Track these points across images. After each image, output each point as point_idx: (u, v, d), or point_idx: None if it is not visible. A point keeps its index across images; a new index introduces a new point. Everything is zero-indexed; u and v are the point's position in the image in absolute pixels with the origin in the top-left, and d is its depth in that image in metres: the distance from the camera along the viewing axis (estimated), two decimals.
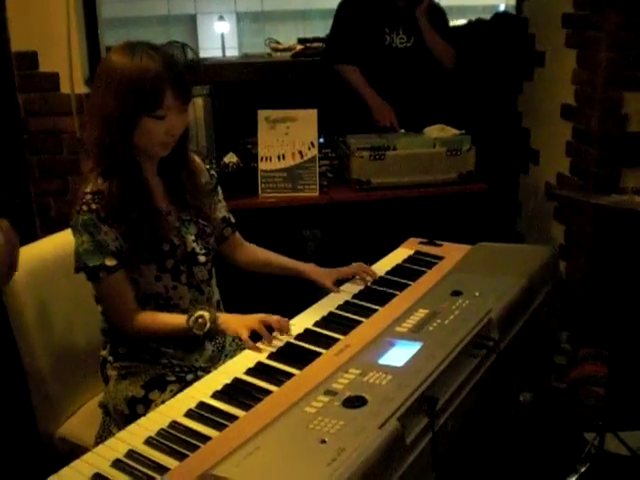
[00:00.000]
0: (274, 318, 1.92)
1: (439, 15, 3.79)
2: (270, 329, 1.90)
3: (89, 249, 1.89)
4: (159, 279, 2.00)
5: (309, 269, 2.27)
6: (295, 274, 2.29)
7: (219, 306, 2.21)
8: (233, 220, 2.28)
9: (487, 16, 4.49)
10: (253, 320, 1.89)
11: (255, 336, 1.88)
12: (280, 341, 1.88)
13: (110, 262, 1.90)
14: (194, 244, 2.07)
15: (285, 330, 1.92)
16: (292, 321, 1.99)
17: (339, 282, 2.25)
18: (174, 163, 2.05)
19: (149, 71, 1.84)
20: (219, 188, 2.24)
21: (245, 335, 1.85)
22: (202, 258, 2.08)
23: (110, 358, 2.06)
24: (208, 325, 1.89)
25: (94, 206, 1.88)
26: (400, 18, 3.67)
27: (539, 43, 4.07)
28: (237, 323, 1.90)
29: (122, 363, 2.04)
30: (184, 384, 1.89)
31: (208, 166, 2.25)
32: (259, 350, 1.83)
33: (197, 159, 2.19)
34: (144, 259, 1.96)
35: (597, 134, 3.49)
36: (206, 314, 1.91)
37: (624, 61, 3.37)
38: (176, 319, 1.95)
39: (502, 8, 5.30)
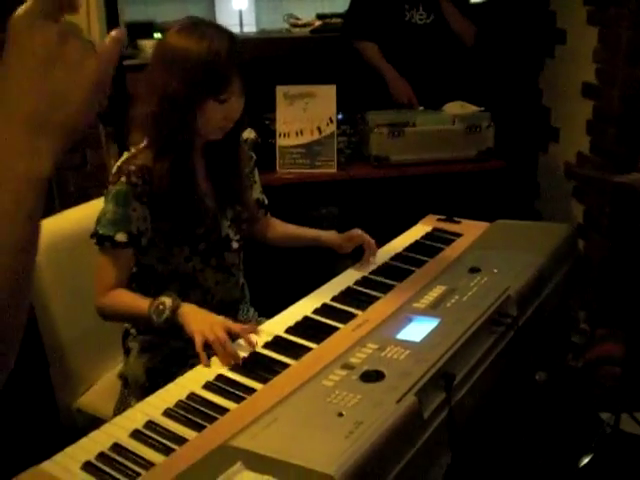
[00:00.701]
0: (237, 327, 1.77)
1: None
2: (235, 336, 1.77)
3: (109, 218, 1.87)
4: (189, 260, 2.00)
5: (332, 237, 2.26)
6: (317, 244, 2.28)
7: (243, 289, 2.21)
8: (266, 202, 2.28)
9: None
10: (213, 326, 1.73)
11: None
12: (242, 353, 1.73)
13: (120, 237, 1.87)
14: (229, 230, 2.07)
15: (249, 342, 1.75)
16: (310, 296, 1.99)
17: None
18: (223, 147, 2.03)
19: (220, 54, 1.83)
20: (256, 170, 2.24)
21: (199, 342, 1.70)
22: (235, 245, 2.08)
23: (132, 330, 2.07)
24: (166, 313, 1.78)
25: (134, 179, 1.86)
26: None
27: (560, 20, 4.03)
28: (196, 324, 1.75)
29: (144, 336, 2.04)
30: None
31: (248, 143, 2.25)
32: (209, 365, 1.69)
33: (247, 134, 2.19)
34: (178, 241, 1.96)
35: (617, 113, 3.46)
36: (168, 301, 1.80)
37: None
38: (140, 302, 1.85)
39: None
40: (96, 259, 1.92)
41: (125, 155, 1.94)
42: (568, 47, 3.95)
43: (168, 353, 1.99)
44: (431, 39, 3.66)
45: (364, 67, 3.70)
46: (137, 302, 1.86)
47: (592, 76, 3.65)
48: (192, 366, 1.82)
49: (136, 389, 2.00)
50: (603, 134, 3.59)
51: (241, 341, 1.75)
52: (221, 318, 1.78)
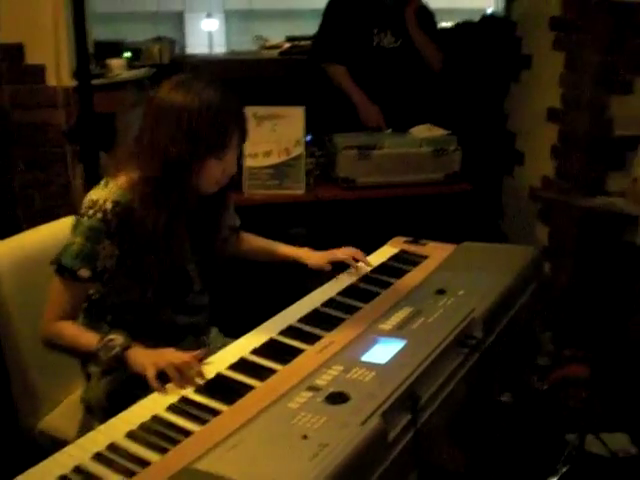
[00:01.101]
0: (185, 358, 1.72)
1: (428, 17, 3.80)
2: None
3: (76, 251, 1.82)
4: (144, 296, 1.96)
5: (303, 253, 2.28)
6: (292, 260, 2.29)
7: (207, 311, 2.19)
8: (238, 223, 2.27)
9: (475, 18, 4.50)
10: (164, 358, 1.71)
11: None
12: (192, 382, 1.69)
13: (83, 273, 1.82)
14: (193, 273, 2.06)
15: (188, 375, 1.69)
16: (276, 318, 1.98)
17: (335, 267, 2.26)
18: (211, 201, 2.01)
19: (220, 112, 1.82)
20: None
21: (152, 373, 1.67)
22: (197, 287, 2.08)
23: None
24: (116, 350, 1.75)
25: (110, 217, 1.82)
26: (389, 19, 3.67)
27: (526, 46, 4.09)
28: (146, 359, 1.73)
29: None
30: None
31: None
32: (165, 392, 1.66)
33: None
34: (141, 277, 1.92)
35: (583, 137, 3.51)
36: (119, 339, 1.77)
37: (611, 64, 3.39)
38: (88, 337, 1.82)
39: (490, 11, 5.30)
40: (52, 284, 1.87)
41: (101, 186, 1.88)
42: (534, 72, 4.01)
43: (130, 376, 1.90)
44: (399, 63, 3.70)
45: (333, 89, 3.72)
46: (84, 336, 1.83)
47: (557, 101, 3.70)
48: None
49: (98, 412, 1.96)
50: (568, 158, 3.64)
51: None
52: (171, 349, 1.76)
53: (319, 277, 2.25)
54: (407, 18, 3.67)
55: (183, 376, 1.68)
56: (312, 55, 3.82)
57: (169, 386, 1.68)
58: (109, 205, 1.82)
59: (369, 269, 2.27)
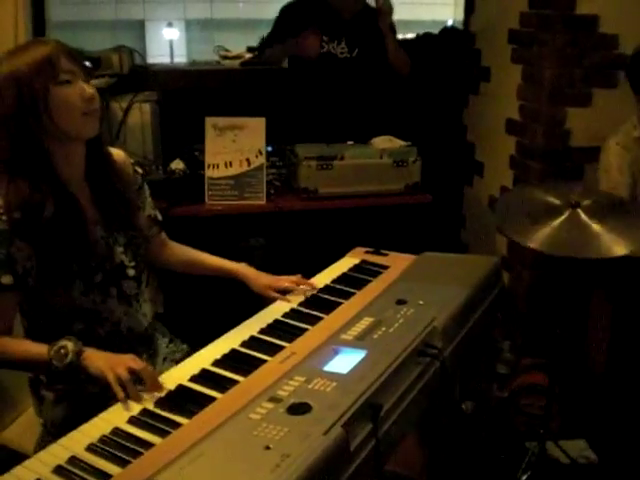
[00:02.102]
0: (142, 366, 1.70)
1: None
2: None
3: None
4: (87, 294, 1.91)
5: (243, 270, 2.24)
6: (228, 274, 2.25)
7: (153, 319, 2.16)
8: (160, 218, 2.23)
9: (435, 30, 4.54)
10: (120, 364, 1.68)
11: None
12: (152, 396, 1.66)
13: (5, 280, 1.77)
14: (122, 256, 1.99)
15: (148, 383, 1.67)
16: (237, 328, 1.98)
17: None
18: (99, 165, 1.96)
19: (38, 50, 1.78)
20: (146, 185, 2.17)
21: (112, 378, 1.65)
22: (131, 272, 2.01)
23: (42, 377, 1.97)
24: (70, 357, 1.70)
25: (8, 216, 1.76)
26: (344, 30, 3.70)
27: (485, 58, 4.14)
28: (102, 363, 1.70)
29: (58, 386, 1.94)
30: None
31: (132, 161, 2.16)
32: (125, 400, 1.63)
33: (122, 154, 2.10)
34: (70, 276, 1.86)
35: (540, 149, 3.56)
36: (70, 345, 1.72)
37: (568, 77, 3.45)
38: (37, 347, 1.76)
39: (450, 23, 5.35)
40: None
41: None
42: (492, 84, 4.06)
43: (86, 400, 1.87)
44: (353, 73, 3.72)
45: (294, 100, 3.73)
46: (32, 348, 1.78)
47: (516, 113, 3.75)
48: None
49: (54, 431, 1.90)
50: (526, 169, 3.69)
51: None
52: (126, 357, 1.73)
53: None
54: (382, 27, 3.69)
55: (129, 392, 1.64)
56: (259, 55, 3.85)
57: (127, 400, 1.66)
58: (8, 206, 1.77)
59: (312, 291, 2.21)
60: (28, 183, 1.79)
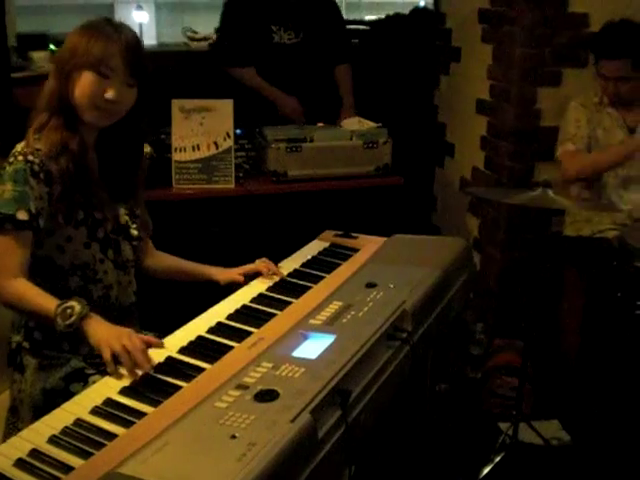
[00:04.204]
0: (138, 344, 1.70)
1: (329, 3, 3.81)
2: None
3: (8, 197, 1.84)
4: (88, 246, 1.99)
5: (215, 272, 2.27)
6: (201, 278, 2.28)
7: (136, 296, 2.18)
8: (151, 226, 2.26)
9: (406, 11, 4.52)
10: (119, 337, 1.71)
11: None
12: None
13: (22, 216, 1.84)
14: (127, 217, 2.10)
15: (140, 362, 1.68)
16: (204, 314, 1.95)
17: (247, 278, 2.22)
18: (119, 138, 2.06)
19: (111, 37, 1.91)
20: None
21: (107, 354, 1.68)
22: (134, 232, 2.11)
23: (26, 344, 1.99)
24: (73, 318, 1.74)
25: (31, 158, 1.87)
26: (287, 14, 3.65)
27: (456, 38, 4.12)
28: (103, 335, 1.73)
29: (41, 352, 1.97)
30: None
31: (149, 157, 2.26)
32: (119, 374, 1.66)
33: (148, 147, 2.22)
34: (76, 222, 1.95)
35: (511, 129, 3.55)
36: (77, 307, 1.76)
37: (538, 57, 3.44)
38: (48, 301, 1.80)
39: (422, 4, 5.33)
40: None
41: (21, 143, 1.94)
42: (463, 64, 4.04)
43: (69, 372, 1.92)
44: (301, 58, 3.69)
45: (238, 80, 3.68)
46: (43, 299, 1.81)
47: (486, 93, 3.74)
48: (94, 383, 1.73)
49: (27, 410, 1.92)
50: (497, 150, 3.68)
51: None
52: (128, 330, 1.75)
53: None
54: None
55: (136, 361, 1.67)
56: (216, 59, 3.76)
57: (94, 387, 1.65)
58: (28, 150, 1.89)
59: (279, 278, 2.22)
60: (61, 130, 1.94)
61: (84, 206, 1.97)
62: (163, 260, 2.31)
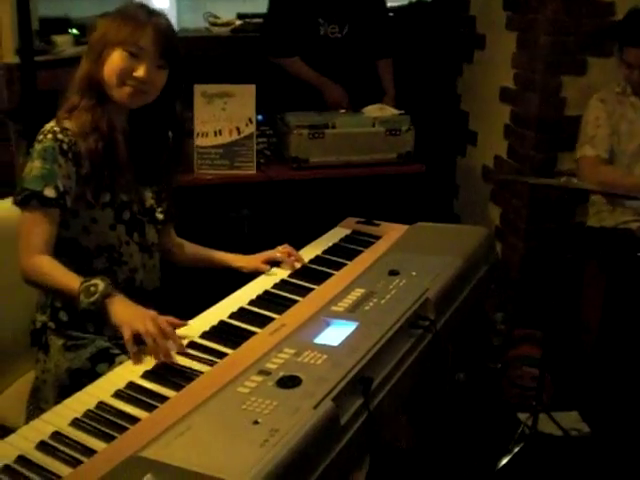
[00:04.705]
0: (163, 325, 1.70)
1: (379, 4, 3.79)
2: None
3: (36, 174, 1.86)
4: (114, 228, 2.00)
5: (236, 259, 2.26)
6: (223, 266, 2.27)
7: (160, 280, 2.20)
8: (176, 213, 2.26)
9: None
10: (143, 319, 1.69)
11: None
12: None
13: (49, 193, 1.85)
14: (152, 201, 2.12)
15: (163, 344, 1.67)
16: (226, 300, 1.95)
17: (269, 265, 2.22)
18: (150, 119, 2.09)
19: (133, 16, 1.96)
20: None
21: (128, 335, 1.67)
22: (160, 216, 2.13)
23: (51, 324, 2.00)
24: (97, 297, 1.73)
25: (60, 136, 1.90)
26: (335, 8, 3.63)
27: (480, 25, 4.08)
28: (125, 315, 1.72)
29: (67, 332, 1.97)
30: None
31: None
32: (139, 361, 1.66)
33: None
34: (102, 204, 1.97)
35: (535, 118, 3.52)
36: (101, 285, 1.75)
37: (563, 45, 3.41)
38: (72, 279, 1.79)
39: None
40: (21, 224, 1.88)
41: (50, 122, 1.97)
42: (487, 52, 4.01)
43: (94, 352, 1.92)
44: (345, 53, 3.68)
45: (284, 69, 3.67)
46: (67, 277, 1.80)
47: (510, 81, 3.71)
48: (120, 364, 1.73)
49: (53, 390, 1.92)
50: (520, 138, 3.65)
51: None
52: (152, 312, 1.74)
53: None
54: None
55: (158, 345, 1.65)
56: (263, 50, 3.75)
57: (117, 370, 1.66)
58: (58, 128, 1.92)
59: (301, 265, 2.21)
60: (92, 111, 1.96)
61: (111, 188, 1.98)
62: (184, 248, 2.31)
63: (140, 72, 1.94)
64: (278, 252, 2.23)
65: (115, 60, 1.94)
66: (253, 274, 2.18)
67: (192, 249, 2.32)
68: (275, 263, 2.21)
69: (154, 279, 2.17)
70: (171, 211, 2.21)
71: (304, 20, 3.62)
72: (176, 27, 5.30)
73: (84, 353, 1.93)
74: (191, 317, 1.87)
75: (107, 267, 2.01)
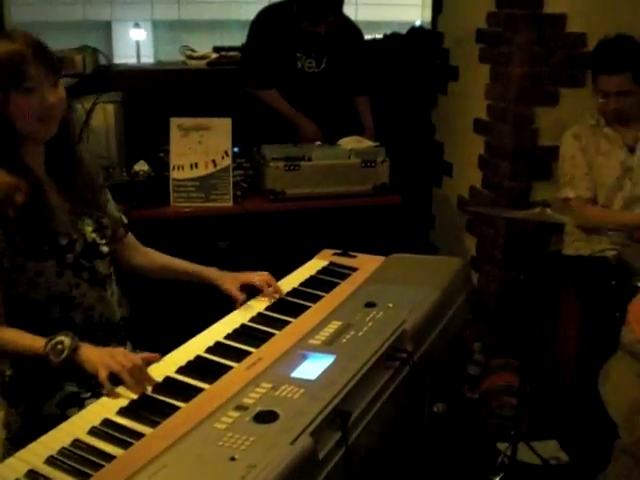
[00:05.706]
0: (136, 361, 1.71)
1: (356, 37, 3.83)
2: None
3: None
4: (61, 275, 1.92)
5: (211, 273, 2.22)
6: (197, 279, 2.23)
7: (121, 305, 2.14)
8: (125, 220, 2.23)
9: (403, 31, 4.52)
10: (115, 357, 1.70)
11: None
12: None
13: None
14: (94, 234, 2.02)
15: (140, 379, 1.68)
16: (202, 334, 1.93)
17: (246, 290, 2.19)
18: (60, 156, 1.99)
19: (4, 48, 1.80)
20: (107, 189, 2.20)
21: (103, 374, 1.67)
22: (104, 249, 2.04)
23: (17, 376, 1.94)
24: (66, 353, 1.72)
25: None
26: (311, 43, 3.66)
27: (453, 58, 4.12)
28: (98, 358, 1.72)
29: (35, 381, 1.92)
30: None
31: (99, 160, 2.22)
32: (116, 395, 1.64)
33: (85, 152, 2.15)
34: (43, 255, 1.88)
35: (509, 148, 3.55)
36: (67, 341, 1.73)
37: (535, 76, 3.44)
38: (34, 341, 1.77)
39: (418, 23, 5.34)
40: None
41: None
42: (460, 84, 4.05)
43: (63, 397, 1.88)
44: (321, 86, 3.73)
45: (260, 101, 3.69)
46: (29, 340, 1.78)
47: (484, 112, 3.74)
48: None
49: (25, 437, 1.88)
50: (495, 169, 3.68)
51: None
52: (120, 349, 1.75)
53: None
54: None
55: (136, 381, 1.66)
56: (241, 80, 3.77)
57: (91, 407, 1.64)
58: None
59: (279, 296, 2.18)
60: (4, 170, 1.84)
61: (47, 237, 1.89)
62: (155, 259, 2.27)
63: (48, 101, 1.83)
64: (257, 278, 2.19)
65: (21, 106, 1.81)
66: (225, 299, 2.16)
67: (163, 260, 2.27)
68: (253, 294, 2.20)
69: (115, 310, 2.09)
70: (118, 223, 2.18)
71: (281, 53, 3.65)
72: (153, 60, 5.32)
73: (53, 399, 1.88)
74: (169, 344, 1.86)
75: (62, 315, 1.94)
